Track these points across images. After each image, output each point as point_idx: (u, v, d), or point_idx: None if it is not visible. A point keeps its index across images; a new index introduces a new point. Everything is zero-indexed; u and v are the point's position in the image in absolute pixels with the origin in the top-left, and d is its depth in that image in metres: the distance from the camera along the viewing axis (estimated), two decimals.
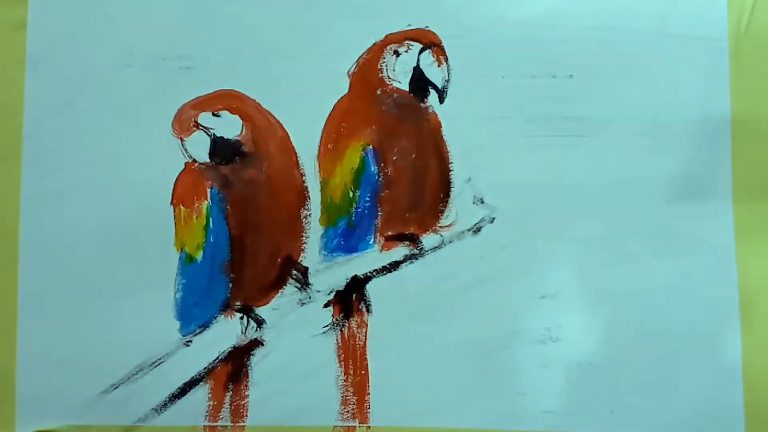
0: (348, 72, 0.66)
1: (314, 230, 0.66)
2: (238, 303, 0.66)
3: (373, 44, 0.67)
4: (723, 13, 0.67)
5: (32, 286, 0.65)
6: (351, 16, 0.67)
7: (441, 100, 0.66)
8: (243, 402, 0.65)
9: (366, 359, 0.65)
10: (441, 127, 0.66)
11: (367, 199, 0.66)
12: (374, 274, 0.66)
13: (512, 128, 0.66)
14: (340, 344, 0.66)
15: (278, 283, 0.66)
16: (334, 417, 0.65)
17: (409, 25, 0.67)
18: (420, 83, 0.66)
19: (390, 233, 0.66)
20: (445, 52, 0.67)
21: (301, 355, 0.65)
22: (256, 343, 0.65)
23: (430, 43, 0.67)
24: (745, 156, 0.66)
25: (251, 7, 0.67)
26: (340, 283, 0.66)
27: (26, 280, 0.65)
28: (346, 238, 0.66)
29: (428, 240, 0.66)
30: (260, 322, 0.65)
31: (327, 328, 0.66)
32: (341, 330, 0.66)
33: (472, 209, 0.66)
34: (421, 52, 0.66)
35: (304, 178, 0.66)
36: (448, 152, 0.66)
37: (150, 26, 0.67)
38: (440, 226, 0.66)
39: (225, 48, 0.66)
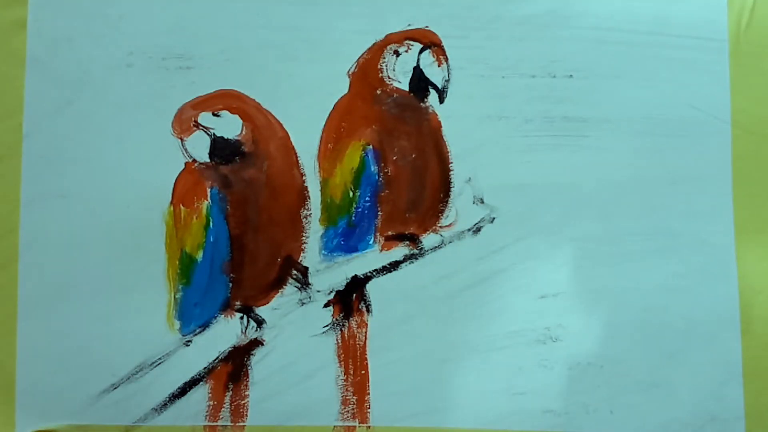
0: (348, 72, 0.66)
1: (314, 230, 0.66)
2: (238, 303, 0.66)
3: (373, 44, 0.67)
4: (723, 13, 0.67)
5: (32, 286, 0.65)
6: (351, 16, 0.67)
7: (441, 100, 0.66)
8: (243, 402, 0.65)
9: (366, 359, 0.65)
10: (441, 127, 0.66)
11: (367, 198, 0.66)
12: (374, 273, 0.66)
13: (512, 128, 0.66)
14: (340, 344, 0.66)
15: (278, 283, 0.66)
16: (334, 417, 0.65)
17: (409, 25, 0.67)
18: (420, 83, 0.66)
19: (390, 233, 0.66)
20: (445, 52, 0.67)
21: (301, 355, 0.65)
22: (256, 343, 0.65)
23: (430, 43, 0.67)
24: (745, 156, 0.66)
25: (252, 7, 0.67)
26: (340, 283, 0.66)
27: (26, 279, 0.65)
28: (346, 237, 0.66)
29: (428, 240, 0.66)
30: (260, 322, 0.65)
31: (327, 328, 0.66)
32: (341, 330, 0.66)
33: (472, 209, 0.66)
34: (421, 52, 0.66)
35: (304, 177, 0.66)
36: (448, 152, 0.66)
37: (150, 26, 0.67)
38: (440, 226, 0.66)
39: (225, 48, 0.66)
